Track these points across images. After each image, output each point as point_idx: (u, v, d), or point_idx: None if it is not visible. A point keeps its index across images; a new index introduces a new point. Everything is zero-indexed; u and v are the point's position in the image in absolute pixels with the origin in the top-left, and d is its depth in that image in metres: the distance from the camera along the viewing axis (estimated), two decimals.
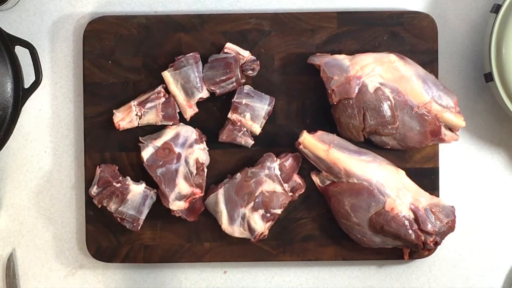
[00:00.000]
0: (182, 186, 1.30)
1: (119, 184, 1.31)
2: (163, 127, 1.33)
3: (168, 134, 1.32)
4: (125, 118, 1.32)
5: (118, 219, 1.31)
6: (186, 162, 1.31)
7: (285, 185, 1.32)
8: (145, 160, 1.31)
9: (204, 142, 1.33)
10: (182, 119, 1.34)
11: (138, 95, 1.33)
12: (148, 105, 1.32)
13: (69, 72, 1.37)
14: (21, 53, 1.29)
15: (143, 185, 1.32)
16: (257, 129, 1.32)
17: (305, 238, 1.34)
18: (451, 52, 1.37)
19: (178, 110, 1.33)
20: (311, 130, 1.32)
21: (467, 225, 1.37)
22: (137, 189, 1.32)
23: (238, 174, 1.32)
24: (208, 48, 1.34)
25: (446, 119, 1.30)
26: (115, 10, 1.37)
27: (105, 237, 1.34)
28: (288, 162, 1.32)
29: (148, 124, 1.33)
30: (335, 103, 1.30)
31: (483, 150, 1.37)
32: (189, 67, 1.31)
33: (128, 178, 1.33)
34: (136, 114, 1.32)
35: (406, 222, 1.28)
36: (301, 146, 1.32)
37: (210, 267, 1.37)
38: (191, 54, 1.32)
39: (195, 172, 1.32)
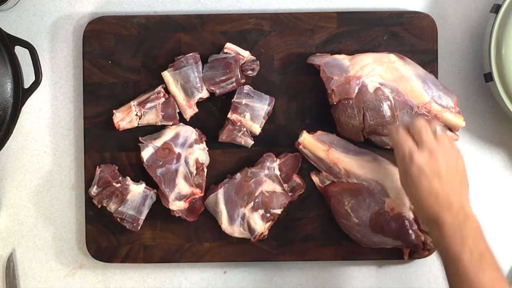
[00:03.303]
0: (182, 186, 1.30)
1: (119, 184, 1.31)
2: (163, 127, 1.33)
3: (168, 134, 1.32)
4: (125, 118, 1.32)
5: (118, 219, 1.31)
6: (186, 162, 1.31)
7: (285, 185, 1.32)
8: (145, 160, 1.31)
9: (204, 142, 1.33)
10: (182, 119, 1.34)
11: (138, 95, 1.33)
12: (148, 105, 1.32)
13: (69, 72, 1.37)
14: (21, 53, 1.29)
15: (143, 185, 1.32)
16: (257, 129, 1.32)
17: (305, 238, 1.34)
18: (451, 52, 1.37)
19: (178, 110, 1.33)
20: (311, 130, 1.33)
21: None
22: (137, 189, 1.32)
23: (238, 174, 1.32)
24: (208, 48, 1.34)
25: (446, 119, 1.30)
26: (115, 10, 1.37)
27: (105, 237, 1.34)
28: (288, 162, 1.32)
29: (148, 124, 1.34)
30: (335, 103, 1.30)
31: (483, 150, 1.37)
32: (189, 67, 1.31)
33: (128, 178, 1.33)
34: (136, 114, 1.32)
35: (406, 222, 1.28)
36: (301, 146, 1.32)
37: (210, 267, 1.37)
38: (191, 54, 1.32)
39: (195, 172, 1.32)
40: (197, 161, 1.31)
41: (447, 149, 1.17)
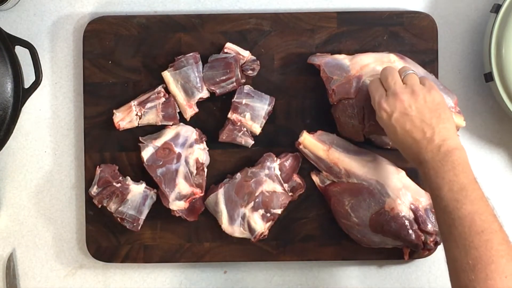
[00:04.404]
0: (182, 186, 1.30)
1: (119, 184, 1.31)
2: (163, 127, 1.33)
3: (168, 134, 1.32)
4: (125, 118, 1.32)
5: (118, 219, 1.31)
6: (186, 162, 1.31)
7: (285, 185, 1.32)
8: (145, 160, 1.31)
9: (204, 142, 1.33)
10: (182, 119, 1.34)
11: (138, 95, 1.33)
12: (148, 105, 1.32)
13: (69, 72, 1.37)
14: (21, 53, 1.29)
15: (143, 185, 1.32)
16: (257, 129, 1.32)
17: (305, 238, 1.34)
18: (451, 52, 1.37)
19: (178, 110, 1.33)
20: (311, 130, 1.33)
21: None
22: (137, 189, 1.32)
23: (238, 174, 1.32)
24: (208, 48, 1.34)
25: None
26: (115, 10, 1.37)
27: (105, 237, 1.34)
28: (288, 162, 1.32)
29: (148, 124, 1.34)
30: (335, 103, 1.30)
31: (483, 150, 1.37)
32: (189, 67, 1.31)
33: (128, 178, 1.33)
34: (136, 114, 1.32)
35: (406, 222, 1.28)
36: (301, 146, 1.32)
37: (210, 267, 1.37)
38: (191, 54, 1.32)
39: (195, 172, 1.32)
40: (197, 161, 1.31)
41: (414, 88, 1.17)
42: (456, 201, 1.09)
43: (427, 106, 1.16)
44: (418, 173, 1.18)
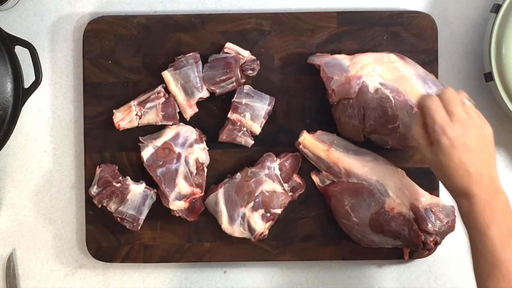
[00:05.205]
0: (182, 186, 1.30)
1: (119, 184, 1.31)
2: (163, 127, 1.33)
3: (168, 134, 1.32)
4: (125, 118, 1.32)
5: (118, 219, 1.31)
6: (186, 162, 1.31)
7: (285, 185, 1.32)
8: (145, 160, 1.31)
9: (204, 142, 1.33)
10: (182, 119, 1.34)
11: (138, 95, 1.33)
12: (148, 105, 1.32)
13: (69, 72, 1.37)
14: (21, 53, 1.29)
15: (143, 185, 1.32)
16: (257, 129, 1.32)
17: (305, 238, 1.34)
18: (451, 52, 1.37)
19: (178, 110, 1.33)
20: (311, 130, 1.33)
21: None
22: (137, 189, 1.32)
23: (238, 174, 1.32)
24: (208, 48, 1.34)
25: None
26: (115, 10, 1.37)
27: (105, 237, 1.34)
28: (288, 162, 1.32)
29: (148, 124, 1.34)
30: (335, 103, 1.30)
31: None
32: (189, 67, 1.31)
33: (128, 178, 1.33)
34: (136, 114, 1.32)
35: (406, 222, 1.28)
36: (301, 146, 1.32)
37: (210, 267, 1.37)
38: (191, 54, 1.32)
39: (195, 172, 1.32)
40: (197, 161, 1.31)
41: (476, 121, 1.16)
42: (504, 242, 1.10)
43: (484, 141, 1.16)
44: (458, 206, 1.16)
